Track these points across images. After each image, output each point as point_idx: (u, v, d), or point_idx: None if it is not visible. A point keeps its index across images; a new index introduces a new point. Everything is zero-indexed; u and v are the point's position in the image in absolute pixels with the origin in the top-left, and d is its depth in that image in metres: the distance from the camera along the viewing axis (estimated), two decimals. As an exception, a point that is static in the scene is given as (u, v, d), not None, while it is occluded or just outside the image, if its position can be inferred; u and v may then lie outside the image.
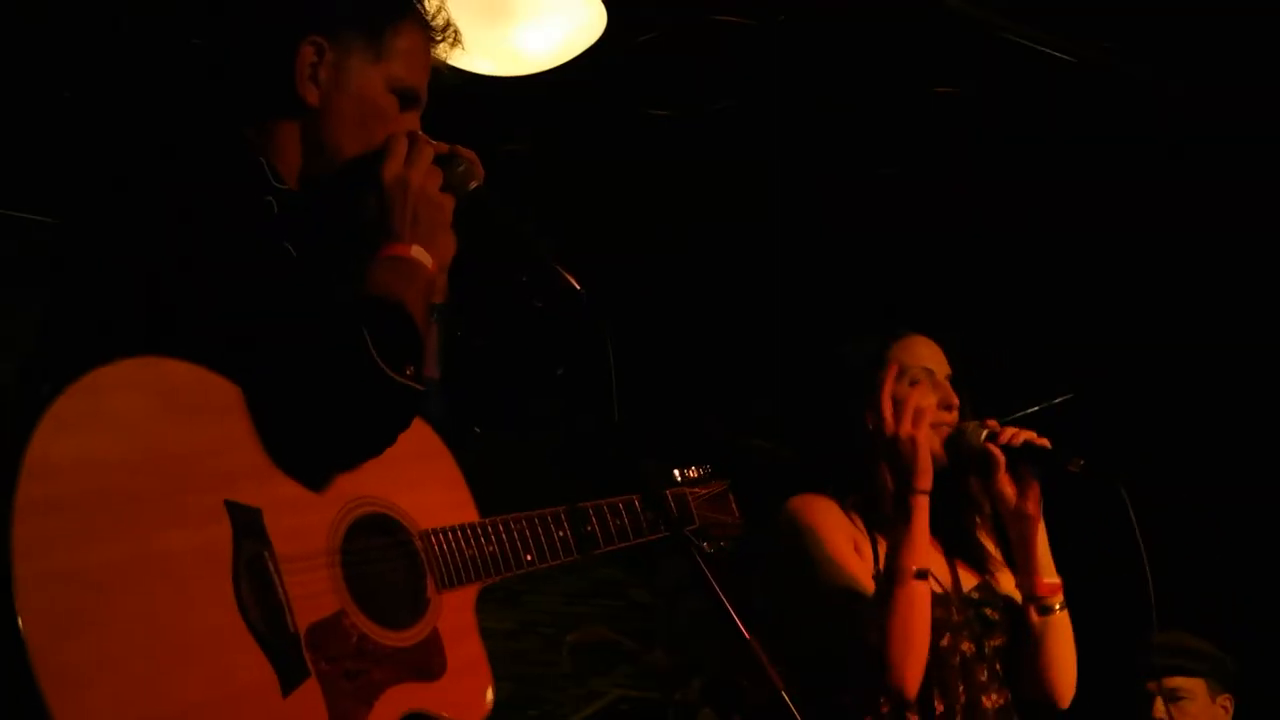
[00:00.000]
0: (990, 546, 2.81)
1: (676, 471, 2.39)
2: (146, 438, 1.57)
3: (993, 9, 3.69)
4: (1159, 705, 3.75)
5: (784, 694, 1.79)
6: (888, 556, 2.54)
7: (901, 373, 2.70)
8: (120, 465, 1.54)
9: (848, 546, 2.64)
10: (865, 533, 2.68)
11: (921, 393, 2.68)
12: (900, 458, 2.56)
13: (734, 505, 2.44)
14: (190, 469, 1.60)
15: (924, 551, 2.52)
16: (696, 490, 2.38)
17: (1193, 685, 3.85)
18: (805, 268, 4.94)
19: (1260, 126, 4.06)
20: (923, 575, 2.49)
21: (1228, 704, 3.91)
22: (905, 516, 2.52)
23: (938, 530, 2.76)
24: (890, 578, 2.50)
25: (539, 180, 3.84)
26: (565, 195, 4.34)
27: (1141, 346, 5.05)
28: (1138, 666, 3.63)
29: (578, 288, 1.88)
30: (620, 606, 5.44)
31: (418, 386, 1.75)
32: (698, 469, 2.42)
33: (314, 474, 1.73)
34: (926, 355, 2.75)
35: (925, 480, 2.54)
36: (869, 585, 2.58)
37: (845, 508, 2.69)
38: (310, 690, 1.63)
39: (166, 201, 1.72)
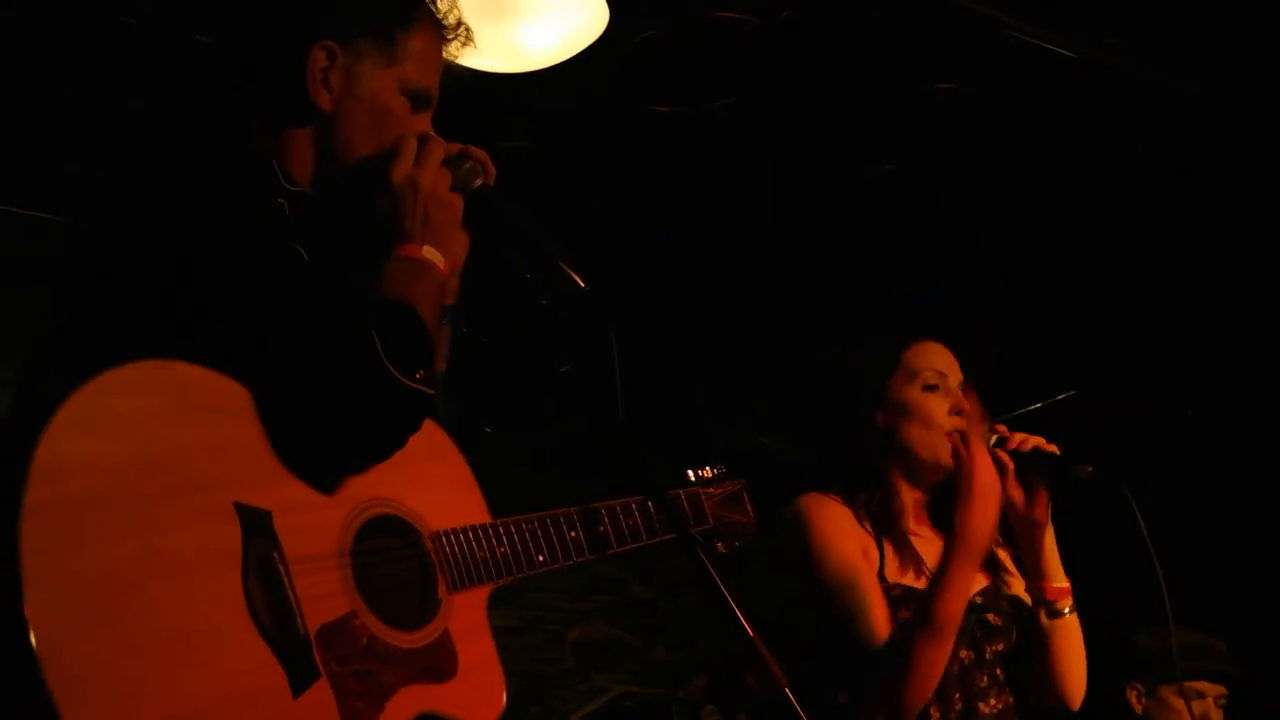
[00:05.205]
0: (1000, 551, 2.80)
1: (691, 472, 2.38)
2: (157, 439, 1.57)
3: (996, 5, 3.68)
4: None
5: (787, 691, 1.78)
6: (925, 599, 2.49)
7: (914, 375, 2.70)
8: (130, 466, 1.53)
9: (855, 549, 2.61)
10: (873, 535, 2.65)
11: (936, 400, 2.68)
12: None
13: (749, 505, 2.43)
14: (200, 471, 1.59)
15: (960, 606, 2.48)
16: (711, 490, 2.37)
17: (1214, 689, 3.85)
18: (808, 267, 4.94)
19: (1262, 124, 4.06)
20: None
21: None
22: (960, 566, 2.48)
23: (945, 534, 2.75)
24: (925, 622, 2.45)
25: (540, 177, 3.82)
26: (566, 193, 4.33)
27: (1143, 346, 5.06)
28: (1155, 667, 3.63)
29: (583, 286, 1.88)
30: (622, 602, 5.44)
31: (428, 391, 1.75)
32: (712, 469, 2.42)
33: (324, 476, 1.72)
34: (939, 361, 2.74)
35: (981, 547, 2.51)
36: (873, 590, 2.56)
37: (854, 508, 2.67)
38: (321, 691, 1.62)
39: (178, 203, 1.71)
